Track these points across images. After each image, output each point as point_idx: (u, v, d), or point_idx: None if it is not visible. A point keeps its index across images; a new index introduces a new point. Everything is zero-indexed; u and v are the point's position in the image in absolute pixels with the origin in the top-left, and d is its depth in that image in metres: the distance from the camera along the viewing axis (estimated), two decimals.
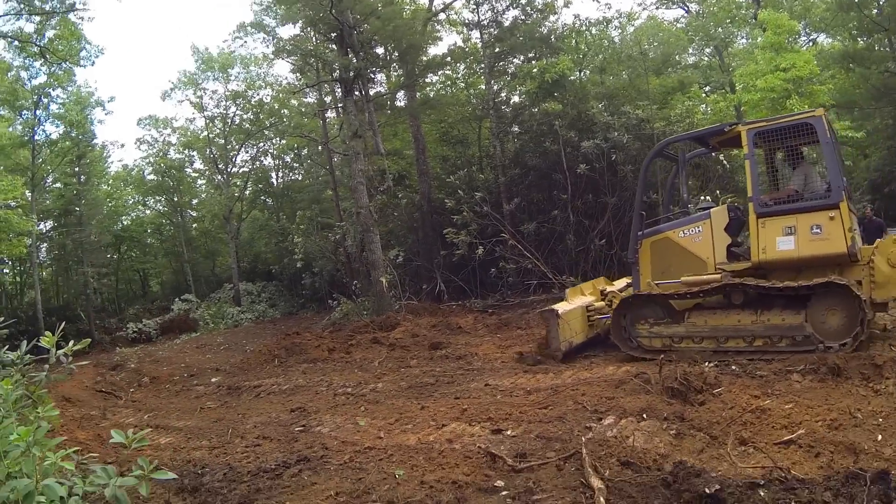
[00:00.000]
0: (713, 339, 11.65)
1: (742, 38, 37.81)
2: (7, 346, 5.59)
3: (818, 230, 10.79)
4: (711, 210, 12.49)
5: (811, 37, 36.97)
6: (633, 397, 8.56)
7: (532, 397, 9.81)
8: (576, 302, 14.35)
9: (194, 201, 53.46)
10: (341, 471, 7.28)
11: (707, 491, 5.49)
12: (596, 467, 6.25)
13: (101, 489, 3.43)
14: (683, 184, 14.49)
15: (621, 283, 15.23)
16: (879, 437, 6.61)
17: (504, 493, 6.07)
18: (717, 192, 19.43)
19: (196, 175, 51.99)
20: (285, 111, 39.49)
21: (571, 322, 13.51)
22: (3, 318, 5.17)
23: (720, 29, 34.52)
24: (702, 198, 16.41)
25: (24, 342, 4.95)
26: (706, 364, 10.11)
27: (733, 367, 10.02)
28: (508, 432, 7.95)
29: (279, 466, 7.62)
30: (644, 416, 7.71)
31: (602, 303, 14.25)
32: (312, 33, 28.23)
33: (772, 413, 7.47)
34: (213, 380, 17.63)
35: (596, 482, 5.86)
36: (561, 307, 13.65)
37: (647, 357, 11.89)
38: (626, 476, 6.08)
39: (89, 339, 5.69)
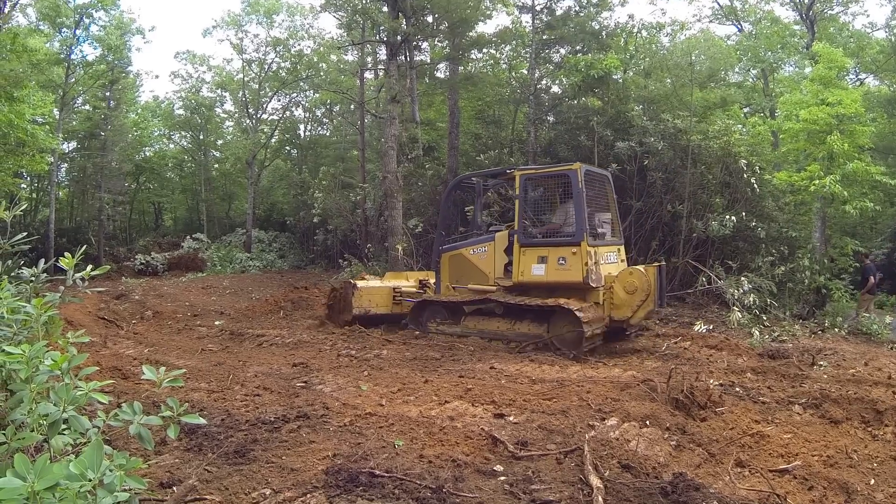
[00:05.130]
0: (481, 338, 14.24)
1: (790, 65, 37.53)
2: (23, 263, 5.56)
3: (563, 261, 13.55)
4: (496, 234, 15.27)
5: (859, 76, 36.67)
6: (637, 402, 8.53)
7: (536, 387, 9.81)
8: (388, 283, 17.78)
9: (219, 142, 53.54)
10: (340, 433, 7.29)
11: None
12: (596, 466, 6.23)
13: (125, 425, 3.41)
14: (478, 210, 16.66)
15: None
16: (872, 480, 6.57)
17: (502, 478, 6.04)
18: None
19: (225, 116, 52.11)
20: (323, 65, 39.29)
21: (372, 296, 16.84)
22: (25, 234, 5.11)
23: (770, 53, 34.19)
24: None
25: (42, 261, 4.92)
26: (711, 382, 10.15)
27: (737, 390, 10.01)
28: (511, 418, 7.94)
29: (278, 420, 7.65)
30: (647, 422, 7.68)
31: (412, 288, 17.28)
32: None
33: (770, 440, 7.47)
34: (217, 323, 17.71)
35: (595, 481, 5.84)
36: (362, 283, 17.40)
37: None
38: (625, 479, 6.06)
39: (108, 267, 5.65)
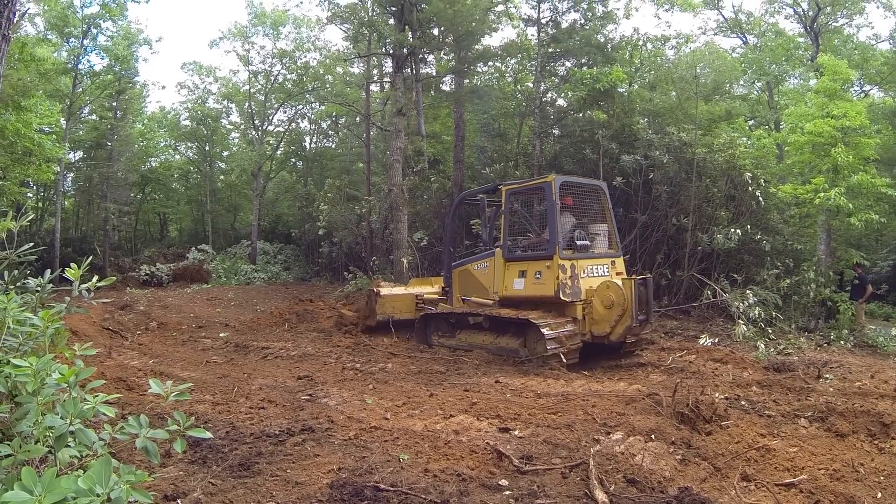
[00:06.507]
0: (471, 350, 14.36)
1: (794, 78, 37.50)
2: (28, 273, 5.58)
3: (539, 276, 13.67)
4: (496, 249, 15.09)
5: (864, 88, 36.62)
6: (643, 416, 8.51)
7: (542, 401, 9.79)
8: (411, 290, 18.41)
9: (225, 153, 53.73)
10: (345, 446, 7.29)
11: None
12: (602, 480, 6.22)
13: (132, 438, 3.41)
14: (485, 225, 16.38)
15: None
16: (879, 494, 6.53)
17: (507, 492, 6.03)
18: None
19: (231, 127, 52.19)
20: (329, 77, 39.40)
21: (395, 303, 17.56)
22: (31, 244, 5.11)
23: (774, 65, 34.18)
24: None
25: (48, 271, 4.93)
26: (716, 395, 10.11)
27: (743, 403, 9.97)
28: (516, 432, 7.92)
29: (283, 433, 7.65)
30: (652, 436, 7.66)
31: (435, 295, 17.52)
32: (371, 3, 28.17)
33: (776, 454, 7.42)
34: (222, 335, 17.71)
35: (600, 495, 5.84)
36: (386, 290, 18.00)
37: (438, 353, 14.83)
38: (630, 493, 6.04)
39: (114, 278, 5.67)
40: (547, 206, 13.78)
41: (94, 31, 35.80)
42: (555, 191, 13.56)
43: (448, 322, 15.69)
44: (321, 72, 39.31)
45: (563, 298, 13.17)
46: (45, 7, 33.50)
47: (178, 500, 5.66)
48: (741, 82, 35.93)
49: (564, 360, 12.55)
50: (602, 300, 13.14)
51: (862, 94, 35.29)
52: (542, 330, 12.60)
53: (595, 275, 13.94)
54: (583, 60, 27.95)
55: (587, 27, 27.60)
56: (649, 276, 14.20)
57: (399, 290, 18.49)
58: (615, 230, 15.27)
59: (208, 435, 3.66)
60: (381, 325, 17.18)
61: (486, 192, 16.52)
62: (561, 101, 30.40)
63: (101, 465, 2.71)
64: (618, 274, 14.47)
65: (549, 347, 12.51)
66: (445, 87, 33.72)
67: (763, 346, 15.94)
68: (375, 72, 37.11)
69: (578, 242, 14.01)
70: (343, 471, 6.42)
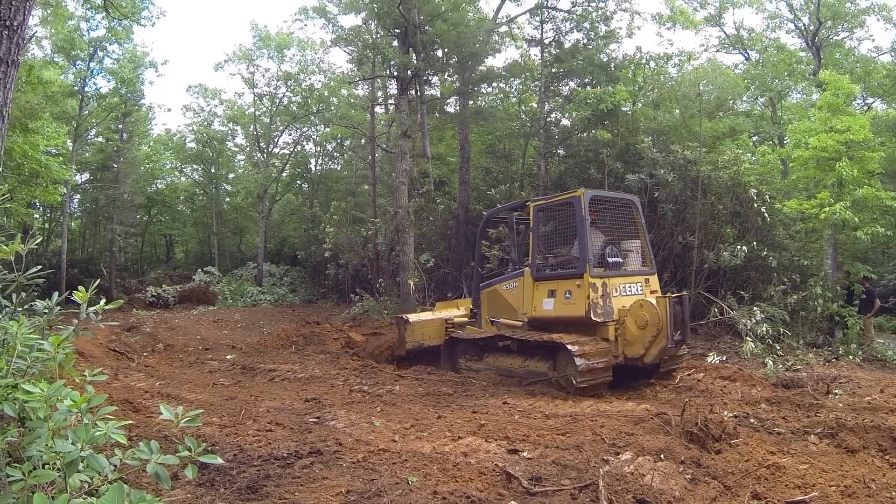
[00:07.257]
0: (499, 374, 14.03)
1: (797, 92, 37.48)
2: (36, 295, 5.58)
3: (569, 295, 13.11)
4: (525, 269, 14.43)
5: (867, 101, 36.59)
6: (651, 436, 8.47)
7: (550, 422, 9.74)
8: (439, 314, 17.64)
9: (231, 176, 53.98)
10: (353, 469, 7.25)
11: None
12: (611, 501, 6.19)
13: (142, 464, 3.42)
14: (513, 245, 15.97)
15: None
16: None
17: None
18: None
19: (236, 150, 52.50)
20: (334, 100, 39.59)
21: (424, 329, 16.71)
22: (39, 267, 5.13)
23: (777, 81, 34.15)
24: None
25: (56, 294, 4.94)
26: (725, 414, 10.08)
27: (752, 421, 9.94)
28: (524, 454, 7.87)
29: (291, 456, 7.62)
30: (661, 456, 7.62)
31: (463, 318, 16.91)
32: (374, 26, 28.31)
33: (787, 471, 7.39)
34: (228, 357, 17.71)
35: None
36: (414, 316, 17.31)
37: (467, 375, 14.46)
38: None
39: (121, 300, 5.67)
40: (577, 222, 13.19)
41: (101, 53, 36.16)
42: (584, 205, 13.02)
43: (476, 345, 15.16)
44: (326, 94, 39.57)
45: (594, 319, 12.61)
46: (53, 30, 33.75)
47: None
48: (744, 98, 35.89)
49: (575, 384, 11.99)
50: (635, 320, 12.49)
51: (865, 107, 35.28)
52: (570, 350, 12.06)
53: (628, 293, 13.38)
54: (586, 80, 28.03)
55: (590, 47, 27.68)
56: (685, 293, 13.48)
57: (427, 315, 17.77)
58: (649, 246, 14.72)
59: (219, 460, 3.66)
60: (411, 354, 16.39)
61: (515, 209, 16.05)
62: (565, 121, 30.45)
63: (115, 491, 2.72)
64: (652, 292, 13.82)
65: (579, 370, 11.88)
66: (450, 109, 33.86)
67: (771, 362, 15.87)
68: (380, 94, 37.28)
69: (610, 259, 13.54)
70: (351, 493, 6.39)
